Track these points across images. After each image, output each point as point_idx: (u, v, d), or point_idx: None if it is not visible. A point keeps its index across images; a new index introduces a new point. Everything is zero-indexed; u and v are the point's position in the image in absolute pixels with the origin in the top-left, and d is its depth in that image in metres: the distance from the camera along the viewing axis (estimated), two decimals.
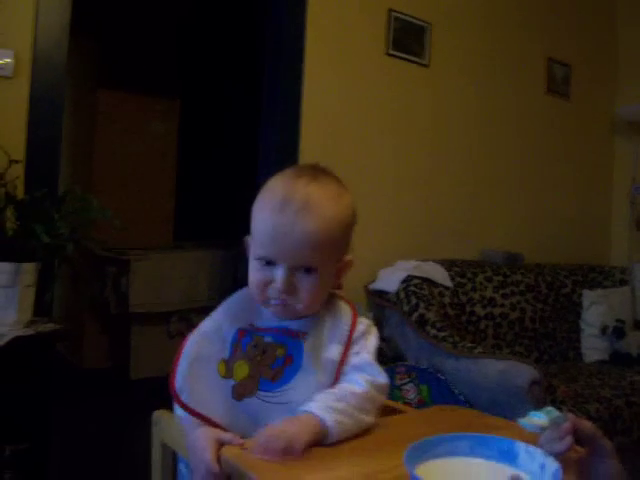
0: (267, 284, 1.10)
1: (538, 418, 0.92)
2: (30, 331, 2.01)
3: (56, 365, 4.45)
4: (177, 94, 5.20)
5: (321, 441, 1.00)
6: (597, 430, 0.88)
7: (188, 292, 4.52)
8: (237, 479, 0.92)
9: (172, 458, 1.17)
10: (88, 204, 2.16)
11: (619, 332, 3.59)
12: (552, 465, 0.81)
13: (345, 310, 1.18)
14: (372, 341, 1.18)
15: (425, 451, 0.85)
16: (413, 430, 1.08)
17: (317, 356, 1.10)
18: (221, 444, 0.99)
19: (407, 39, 3.41)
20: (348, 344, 1.13)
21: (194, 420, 1.06)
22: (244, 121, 4.39)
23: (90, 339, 4.65)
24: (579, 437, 0.86)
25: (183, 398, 1.07)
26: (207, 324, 1.16)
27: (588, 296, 3.79)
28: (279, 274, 1.08)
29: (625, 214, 4.40)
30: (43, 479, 2.18)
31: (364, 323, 1.19)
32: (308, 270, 1.09)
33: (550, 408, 0.93)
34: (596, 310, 3.73)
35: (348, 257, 1.19)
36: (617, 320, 3.65)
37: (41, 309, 2.19)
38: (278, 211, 1.07)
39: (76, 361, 4.66)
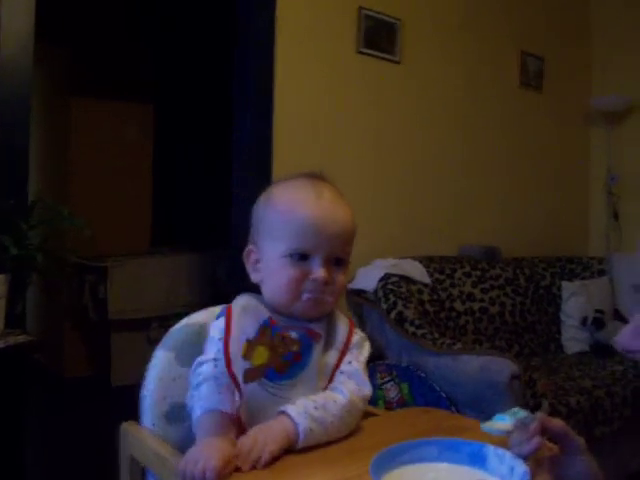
0: (303, 278, 1.10)
1: (502, 422, 0.91)
2: (1, 344, 1.97)
3: (35, 375, 4.41)
4: (150, 99, 5.17)
5: (290, 447, 1.01)
6: (568, 428, 0.87)
7: (167, 297, 4.50)
8: None
9: (141, 472, 1.15)
10: (58, 214, 2.13)
11: (599, 323, 3.60)
12: (520, 468, 0.80)
13: (342, 318, 1.21)
14: (365, 352, 1.20)
15: (392, 459, 0.85)
16: (382, 435, 1.08)
17: (321, 362, 1.12)
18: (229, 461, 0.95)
19: (378, 36, 3.40)
20: (344, 351, 1.16)
21: (213, 421, 1.04)
22: (218, 124, 4.36)
23: (70, 348, 4.62)
24: (550, 436, 0.85)
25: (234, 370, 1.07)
26: (244, 300, 1.16)
27: (567, 288, 3.80)
28: (318, 265, 1.09)
29: (602, 204, 4.41)
30: None
31: (359, 334, 1.21)
32: (339, 262, 1.13)
33: (516, 409, 0.93)
34: (575, 301, 3.75)
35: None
36: (596, 311, 3.66)
37: (13, 321, 2.16)
38: (314, 203, 1.11)
39: (57, 370, 4.62)
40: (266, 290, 1.15)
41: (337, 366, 1.14)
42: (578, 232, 4.51)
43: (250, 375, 1.08)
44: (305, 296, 1.10)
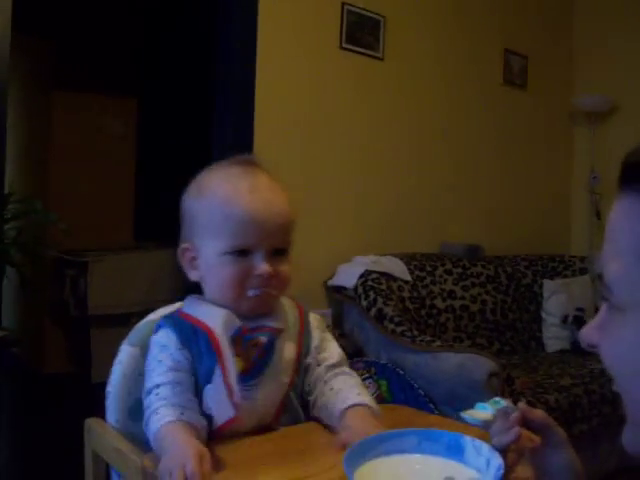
0: (246, 275, 1.06)
1: (483, 410, 0.90)
2: None
3: (13, 371, 4.39)
4: (133, 92, 5.14)
5: None
6: (550, 419, 0.85)
7: (149, 293, 4.47)
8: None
9: (105, 468, 1.13)
10: (31, 207, 2.11)
11: (579, 321, 3.61)
12: (496, 461, 0.79)
13: (290, 305, 1.18)
14: (327, 331, 1.21)
15: (366, 451, 0.83)
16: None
17: (281, 356, 1.10)
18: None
19: (361, 32, 3.39)
20: (300, 341, 1.14)
21: (175, 429, 0.98)
22: (201, 118, 4.34)
23: (50, 343, 4.59)
24: (532, 427, 0.84)
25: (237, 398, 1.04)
26: (215, 314, 1.08)
27: (548, 286, 3.81)
28: (260, 260, 1.06)
29: (585, 203, 4.43)
30: None
31: (316, 319, 1.20)
32: (281, 252, 1.09)
33: (498, 399, 0.91)
34: (556, 300, 3.75)
35: None
36: (577, 309, 3.67)
37: None
38: (249, 196, 1.05)
39: (37, 366, 4.59)
40: (208, 289, 1.11)
41: (297, 359, 1.12)
42: (560, 231, 4.52)
43: None
44: (251, 292, 1.07)
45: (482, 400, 0.93)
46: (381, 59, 3.46)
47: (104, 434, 1.12)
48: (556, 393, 2.82)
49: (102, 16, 4.79)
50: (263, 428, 1.08)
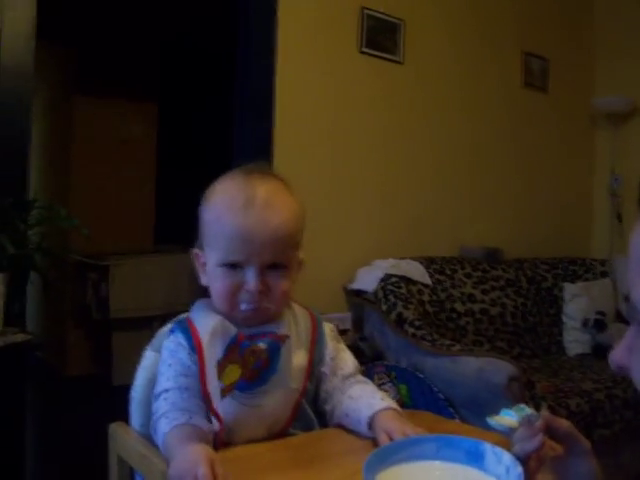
0: (237, 289, 1.07)
1: (508, 417, 0.89)
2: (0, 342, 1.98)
3: (37, 373, 4.43)
4: (154, 98, 5.17)
5: None
6: (573, 428, 0.85)
7: (170, 296, 4.50)
8: None
9: (129, 472, 1.15)
10: (55, 213, 2.14)
11: (600, 324, 3.59)
12: (516, 469, 0.79)
13: (302, 314, 1.18)
14: (341, 342, 1.22)
15: (387, 457, 0.83)
16: (362, 440, 1.08)
17: (290, 363, 1.10)
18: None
19: (380, 37, 3.39)
20: (312, 350, 1.14)
21: (184, 433, 0.99)
22: (221, 123, 4.37)
23: (73, 346, 4.63)
24: (555, 436, 0.84)
25: (215, 405, 1.04)
26: (210, 323, 1.09)
27: (569, 289, 3.79)
28: (251, 275, 1.06)
29: (606, 206, 4.39)
30: None
31: (328, 326, 1.21)
32: (277, 267, 1.08)
33: (523, 406, 0.90)
34: (577, 303, 3.73)
35: (301, 255, 1.17)
36: (598, 312, 3.64)
37: (12, 319, 2.16)
38: (242, 211, 1.05)
39: (59, 368, 4.64)
40: (212, 296, 1.12)
41: (308, 368, 1.13)
42: (581, 233, 4.49)
43: (223, 393, 1.06)
44: (242, 306, 1.08)
45: (505, 405, 0.93)
46: (400, 63, 3.46)
47: (129, 439, 1.13)
48: (577, 397, 2.80)
49: (123, 22, 4.83)
50: (275, 435, 1.08)
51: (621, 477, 2.88)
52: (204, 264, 1.13)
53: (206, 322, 1.10)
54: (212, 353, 1.07)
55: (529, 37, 4.13)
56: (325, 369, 1.16)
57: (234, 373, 1.06)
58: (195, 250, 1.15)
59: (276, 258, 1.07)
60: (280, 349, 1.09)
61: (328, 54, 3.22)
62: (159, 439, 1.02)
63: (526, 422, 0.84)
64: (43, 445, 3.41)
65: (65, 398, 4.19)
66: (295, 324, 1.15)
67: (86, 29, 4.67)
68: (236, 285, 1.07)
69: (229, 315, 1.10)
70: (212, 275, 1.10)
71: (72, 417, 3.80)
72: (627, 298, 0.69)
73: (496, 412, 0.91)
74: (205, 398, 1.04)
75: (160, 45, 5.18)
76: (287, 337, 1.10)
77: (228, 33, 3.49)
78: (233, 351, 1.07)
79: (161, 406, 1.05)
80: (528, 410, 0.88)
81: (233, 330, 1.08)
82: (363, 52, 3.32)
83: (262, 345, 1.07)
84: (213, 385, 1.05)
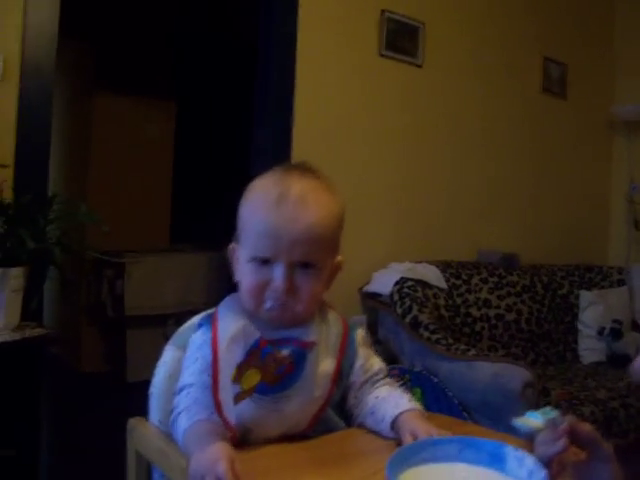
0: (264, 286, 1.05)
1: (534, 419, 0.89)
2: (17, 336, 1.99)
3: (52, 369, 4.45)
4: (172, 96, 5.19)
5: None
6: (597, 433, 0.84)
7: (185, 295, 4.51)
8: None
9: (147, 467, 1.15)
10: (75, 209, 2.15)
11: (616, 333, 3.56)
12: (539, 473, 0.78)
13: (335, 319, 1.16)
14: (370, 348, 1.21)
15: (409, 457, 0.83)
16: (381, 440, 1.08)
17: (316, 370, 1.08)
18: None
19: (400, 39, 3.39)
20: (340, 358, 1.12)
21: (205, 429, 0.99)
22: (239, 122, 4.38)
23: (88, 343, 4.65)
24: (578, 440, 0.83)
25: (226, 412, 1.03)
26: (231, 327, 1.08)
27: (585, 297, 3.77)
28: (278, 272, 1.04)
29: (623, 213, 4.37)
30: None
31: (359, 334, 1.19)
32: (307, 266, 1.05)
33: (548, 408, 0.90)
34: (593, 311, 3.71)
35: (340, 258, 1.16)
36: (614, 321, 3.62)
37: (30, 314, 2.18)
38: (274, 207, 1.03)
39: (74, 365, 4.66)
40: (241, 293, 1.11)
41: (334, 377, 1.10)
42: (598, 241, 4.46)
43: (240, 397, 1.04)
44: (268, 304, 1.06)
45: (516, 412, 0.92)
46: (420, 66, 3.46)
47: (148, 434, 1.13)
48: (592, 406, 2.78)
49: (142, 19, 4.85)
50: (295, 436, 1.07)
51: None
52: (238, 259, 1.12)
53: (228, 324, 1.09)
54: (230, 358, 1.05)
55: (549, 42, 4.12)
56: (355, 378, 1.15)
57: (254, 377, 1.04)
58: (232, 245, 1.14)
59: (306, 257, 1.05)
60: (306, 356, 1.07)
61: (348, 56, 3.22)
62: (179, 434, 1.02)
63: (551, 425, 0.84)
64: (59, 440, 3.42)
65: (80, 395, 4.20)
66: (326, 331, 1.12)
67: (105, 26, 4.70)
68: (263, 282, 1.05)
69: (255, 313, 1.08)
70: (242, 271, 1.09)
71: (87, 413, 3.81)
72: None
73: (519, 415, 0.90)
74: (217, 406, 1.03)
75: (179, 43, 5.20)
76: (313, 344, 1.08)
77: (248, 33, 3.50)
78: (254, 355, 1.05)
79: (182, 401, 1.04)
80: (553, 413, 0.87)
81: (256, 334, 1.07)
82: (383, 55, 3.32)
83: (285, 352, 1.06)
84: (226, 391, 1.03)
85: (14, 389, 2.09)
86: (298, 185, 1.07)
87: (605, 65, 4.51)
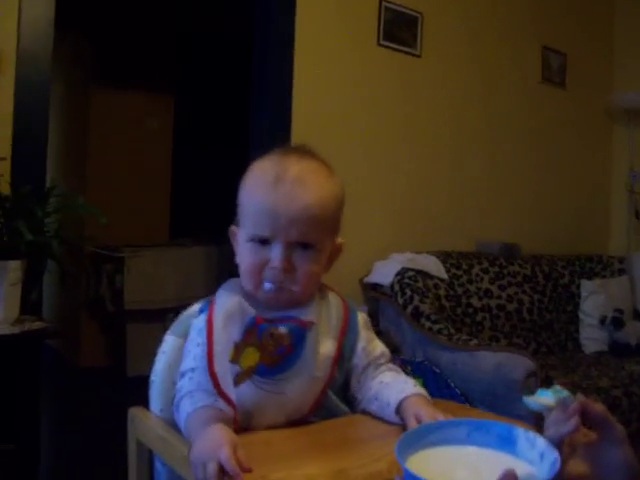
0: (262, 266, 1.05)
1: (545, 397, 0.87)
2: (16, 329, 1.98)
3: (52, 364, 4.46)
4: (171, 90, 5.17)
5: None
6: (608, 414, 0.81)
7: (184, 288, 4.50)
8: None
9: (148, 456, 1.14)
10: (73, 201, 2.14)
11: (618, 322, 3.56)
12: (551, 454, 0.77)
13: (336, 301, 1.15)
14: (371, 331, 1.20)
15: (419, 440, 0.81)
16: (386, 426, 1.06)
17: (316, 350, 1.07)
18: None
19: (398, 29, 3.38)
20: (341, 340, 1.11)
21: (207, 416, 0.98)
22: (238, 115, 4.37)
23: (87, 337, 4.64)
24: (589, 420, 0.81)
25: (223, 386, 1.02)
26: (227, 302, 1.09)
27: (586, 286, 3.76)
28: (276, 251, 1.04)
29: (623, 203, 4.36)
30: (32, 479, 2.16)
31: (359, 318, 1.18)
32: (305, 246, 1.05)
33: (559, 387, 0.88)
34: (594, 300, 3.70)
35: (340, 240, 1.16)
36: (616, 310, 3.61)
37: (29, 307, 2.17)
38: (272, 187, 1.04)
39: (74, 360, 4.65)
40: (240, 274, 1.11)
41: (336, 359, 1.10)
42: (598, 230, 4.45)
43: (241, 378, 1.04)
44: (266, 285, 1.06)
45: (519, 401, 0.91)
46: (419, 56, 3.45)
47: (148, 423, 1.12)
48: (594, 395, 2.77)
49: (140, 12, 4.83)
50: (295, 423, 1.06)
51: None
52: (238, 241, 1.12)
53: (225, 302, 1.09)
54: (226, 334, 1.05)
55: (548, 31, 4.10)
56: (357, 360, 1.14)
57: (252, 356, 1.04)
58: (232, 227, 1.14)
59: (304, 237, 1.05)
60: (305, 336, 1.06)
61: (347, 46, 3.20)
62: (181, 418, 1.01)
63: (561, 404, 0.82)
64: (58, 434, 3.41)
65: (80, 389, 4.20)
66: (326, 312, 1.12)
67: (103, 20, 4.68)
68: (262, 261, 1.05)
69: (254, 294, 1.08)
70: (241, 251, 1.10)
71: (87, 408, 3.81)
72: None
73: (532, 392, 0.89)
74: (212, 379, 1.02)
75: (176, 36, 5.18)
76: (312, 324, 1.07)
77: (246, 25, 3.48)
78: (251, 333, 1.05)
79: (186, 385, 1.04)
80: (564, 392, 0.86)
81: (251, 312, 1.07)
82: (381, 45, 3.31)
83: (283, 329, 1.05)
84: (222, 367, 1.03)
85: (14, 383, 2.08)
86: (296, 166, 1.07)
87: (604, 54, 4.49)
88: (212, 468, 0.85)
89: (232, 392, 1.02)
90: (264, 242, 1.05)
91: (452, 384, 2.64)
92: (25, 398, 2.19)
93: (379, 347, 1.18)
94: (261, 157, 1.12)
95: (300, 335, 1.06)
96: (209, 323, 1.07)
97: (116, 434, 1.21)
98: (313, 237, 1.06)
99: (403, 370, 2.73)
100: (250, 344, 1.05)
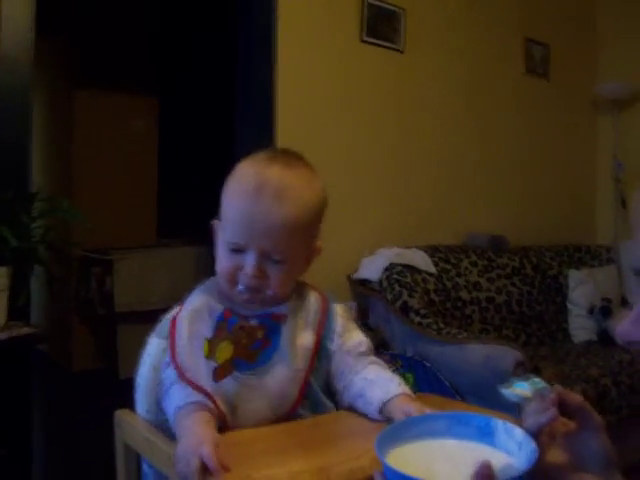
0: (236, 270, 1.08)
1: (521, 388, 0.88)
2: (4, 336, 1.98)
3: (43, 369, 4.44)
4: (155, 91, 5.16)
5: None
6: (586, 403, 0.83)
7: (174, 289, 4.48)
8: None
9: (136, 458, 1.15)
10: (58, 206, 2.13)
11: (606, 311, 3.57)
12: (529, 444, 0.78)
13: (313, 296, 1.18)
14: (352, 322, 1.21)
15: (398, 435, 0.82)
16: (369, 423, 1.07)
17: (293, 342, 1.10)
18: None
19: (381, 25, 3.38)
20: (319, 331, 1.14)
21: (194, 412, 1.02)
22: (223, 115, 4.36)
23: (78, 341, 4.63)
24: (567, 410, 0.82)
25: (189, 376, 1.05)
26: (195, 301, 1.14)
27: (574, 276, 3.78)
28: (250, 259, 1.07)
29: (609, 192, 4.38)
30: None
31: (340, 307, 1.20)
32: (278, 261, 1.08)
33: (536, 379, 0.89)
34: (583, 290, 3.72)
35: (318, 243, 1.18)
36: (604, 299, 3.63)
37: (17, 313, 2.16)
38: (251, 197, 1.06)
39: (66, 364, 4.64)
40: (217, 273, 1.14)
41: (315, 350, 1.12)
42: (585, 220, 4.48)
43: (220, 373, 1.06)
44: (239, 287, 1.09)
45: (520, 379, 0.91)
46: (402, 52, 3.45)
47: (134, 425, 1.13)
48: (584, 384, 2.80)
49: (123, 16, 4.82)
50: (283, 418, 1.08)
51: (628, 462, 2.87)
52: (218, 238, 1.15)
53: (193, 301, 1.14)
54: (194, 330, 1.09)
55: (530, 23, 4.11)
56: (333, 346, 1.15)
57: (227, 349, 1.07)
58: (215, 221, 1.16)
59: (277, 248, 1.07)
60: (280, 329, 1.10)
61: (329, 43, 3.21)
62: (170, 410, 1.04)
63: (539, 395, 0.83)
64: (51, 439, 3.41)
65: (72, 394, 4.20)
66: (304, 307, 1.15)
67: (86, 24, 4.66)
68: (236, 267, 1.08)
69: (229, 294, 1.11)
70: (219, 252, 1.12)
71: (80, 411, 3.81)
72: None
73: (508, 382, 0.90)
74: (177, 370, 1.06)
75: (158, 38, 5.17)
76: (285, 317, 1.11)
77: (228, 23, 3.48)
78: (222, 328, 1.09)
79: (170, 375, 1.07)
80: (541, 383, 0.87)
81: (219, 308, 1.11)
82: (364, 41, 3.31)
83: (254, 322, 1.09)
84: (190, 361, 1.07)
85: (4, 389, 2.08)
86: (277, 177, 1.08)
87: (588, 44, 4.50)
88: (194, 464, 0.88)
89: (208, 385, 1.05)
90: (239, 249, 1.08)
91: (442, 378, 2.65)
92: (16, 404, 2.18)
93: (360, 338, 1.19)
94: (247, 158, 1.14)
95: (274, 328, 1.10)
96: (172, 321, 1.12)
97: (109, 437, 1.21)
98: (286, 250, 1.08)
99: (393, 365, 2.74)
100: (223, 338, 1.08)
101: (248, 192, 1.06)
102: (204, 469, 0.88)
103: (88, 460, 3.03)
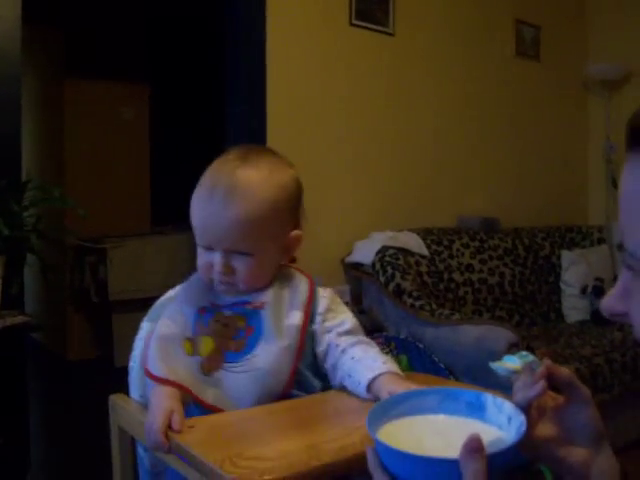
0: (209, 267, 1.14)
1: (511, 362, 0.88)
2: None
3: (40, 358, 4.45)
4: (145, 79, 5.14)
5: None
6: (574, 376, 0.83)
7: (168, 276, 4.48)
8: (177, 452, 0.95)
9: (130, 442, 1.16)
10: (50, 194, 2.13)
11: (598, 291, 3.59)
12: (518, 418, 0.79)
13: (301, 280, 1.22)
14: (341, 304, 1.25)
15: (389, 411, 0.83)
16: (360, 401, 1.09)
17: (277, 323, 1.13)
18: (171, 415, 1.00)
19: (371, 8, 3.37)
20: (307, 310, 1.17)
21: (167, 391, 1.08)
22: (214, 101, 4.35)
23: (73, 330, 4.64)
24: (556, 384, 0.83)
25: (156, 373, 1.10)
26: (169, 307, 1.20)
27: (567, 257, 3.79)
28: (216, 258, 1.13)
29: (601, 173, 4.39)
30: (22, 474, 2.17)
31: (325, 293, 1.22)
32: (243, 253, 1.13)
33: (525, 353, 0.90)
34: (575, 270, 3.74)
35: (295, 233, 1.20)
36: (596, 279, 3.65)
37: (10, 302, 2.16)
38: (205, 202, 1.12)
39: (61, 353, 4.65)
40: None
41: (304, 326, 1.15)
42: (577, 201, 4.49)
43: (207, 366, 1.11)
44: (215, 281, 1.16)
45: (510, 353, 0.92)
46: (392, 34, 3.44)
47: (128, 409, 1.15)
48: (577, 363, 2.82)
49: (112, 3, 4.79)
50: (275, 398, 1.10)
51: (622, 440, 2.90)
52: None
53: (170, 306, 1.22)
54: (166, 333, 1.15)
55: (520, 5, 4.10)
56: (316, 326, 1.18)
57: (208, 343, 1.12)
58: None
59: (239, 246, 1.12)
60: (260, 314, 1.14)
61: (319, 27, 3.20)
62: (149, 382, 1.12)
63: (528, 369, 0.84)
64: (48, 427, 3.42)
65: (68, 382, 4.21)
66: (289, 290, 1.18)
67: (74, 11, 4.63)
68: (208, 264, 1.15)
69: (210, 285, 1.18)
70: (197, 248, 1.18)
71: (76, 400, 3.82)
72: (620, 246, 0.68)
73: (499, 358, 0.91)
74: (146, 374, 1.12)
75: (147, 25, 5.14)
76: (264, 303, 1.15)
77: (217, 10, 3.46)
78: (200, 325, 1.15)
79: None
80: (530, 357, 0.88)
81: (192, 310, 1.17)
82: (354, 24, 3.30)
83: (227, 312, 1.15)
84: (187, 365, 1.11)
85: None
86: (230, 176, 1.12)
87: (578, 25, 4.49)
88: (151, 439, 0.98)
89: (196, 379, 1.10)
90: (208, 247, 1.14)
91: (436, 359, 2.67)
92: (12, 392, 2.19)
93: (346, 317, 1.21)
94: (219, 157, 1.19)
95: (254, 314, 1.14)
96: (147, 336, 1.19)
97: (105, 425, 1.22)
98: (248, 244, 1.13)
99: (387, 347, 2.75)
100: (202, 334, 1.14)
101: (202, 197, 1.13)
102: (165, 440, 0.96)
103: (84, 448, 3.04)
